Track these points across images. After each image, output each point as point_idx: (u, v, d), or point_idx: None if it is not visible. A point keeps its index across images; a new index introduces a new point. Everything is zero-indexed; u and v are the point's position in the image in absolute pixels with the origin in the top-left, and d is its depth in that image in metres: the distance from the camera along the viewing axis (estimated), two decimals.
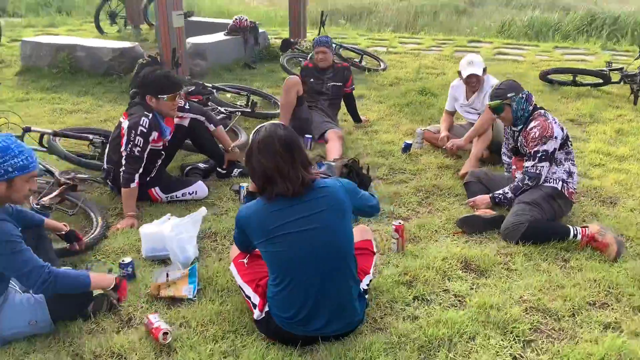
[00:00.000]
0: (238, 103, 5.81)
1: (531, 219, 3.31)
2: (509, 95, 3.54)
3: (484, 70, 4.55)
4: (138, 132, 3.44)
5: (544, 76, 7.03)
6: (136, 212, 3.55)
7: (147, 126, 3.46)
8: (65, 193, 3.52)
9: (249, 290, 2.55)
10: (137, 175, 3.51)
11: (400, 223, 3.19)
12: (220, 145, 4.22)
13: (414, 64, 8.20)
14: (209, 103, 5.15)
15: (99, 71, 7.05)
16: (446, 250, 3.20)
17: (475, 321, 2.59)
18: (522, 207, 3.42)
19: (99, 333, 2.52)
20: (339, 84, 5.25)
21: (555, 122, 3.49)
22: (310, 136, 4.89)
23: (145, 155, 3.52)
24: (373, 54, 8.54)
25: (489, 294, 2.81)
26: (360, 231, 2.84)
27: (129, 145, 3.46)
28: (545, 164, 3.48)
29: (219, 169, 4.19)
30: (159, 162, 3.79)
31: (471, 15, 13.91)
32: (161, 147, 3.68)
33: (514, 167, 3.76)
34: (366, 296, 2.61)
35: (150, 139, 3.52)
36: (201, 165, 4.21)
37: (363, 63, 8.09)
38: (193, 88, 5.15)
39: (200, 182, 3.82)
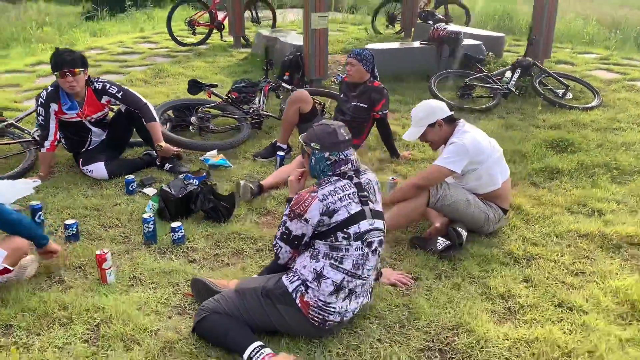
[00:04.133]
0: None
1: (217, 309, 2.41)
2: (311, 144, 2.55)
3: (437, 123, 3.27)
4: (39, 103, 4.00)
5: None
6: (44, 174, 4.10)
7: (44, 97, 3.97)
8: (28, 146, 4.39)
9: None
10: (46, 142, 4.04)
11: (103, 252, 2.83)
12: None
13: None
14: (251, 103, 5.18)
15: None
16: (119, 304, 2.67)
17: None
18: (226, 292, 2.51)
19: None
20: (363, 105, 4.47)
21: (323, 202, 2.35)
22: (282, 154, 4.42)
23: (52, 125, 4.01)
24: (591, 86, 6.49)
25: None
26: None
27: (36, 114, 4.04)
28: (285, 247, 2.45)
29: (157, 161, 4.33)
30: (91, 136, 4.22)
31: None
32: (79, 120, 4.09)
33: None
34: None
35: (51, 110, 3.98)
36: (154, 152, 4.42)
37: (567, 96, 6.32)
38: (243, 84, 5.26)
39: (99, 164, 4.07)
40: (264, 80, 5.67)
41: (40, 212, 3.39)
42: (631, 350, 2.40)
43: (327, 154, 2.48)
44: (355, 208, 2.41)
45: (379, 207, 2.55)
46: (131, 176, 3.97)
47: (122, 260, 3.10)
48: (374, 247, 2.46)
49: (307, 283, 2.38)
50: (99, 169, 4.08)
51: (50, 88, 3.98)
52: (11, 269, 2.74)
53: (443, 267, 3.05)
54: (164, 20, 10.96)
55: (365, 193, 2.48)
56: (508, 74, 6.59)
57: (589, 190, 4.03)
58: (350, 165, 2.50)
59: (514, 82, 6.41)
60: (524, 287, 2.88)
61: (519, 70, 6.54)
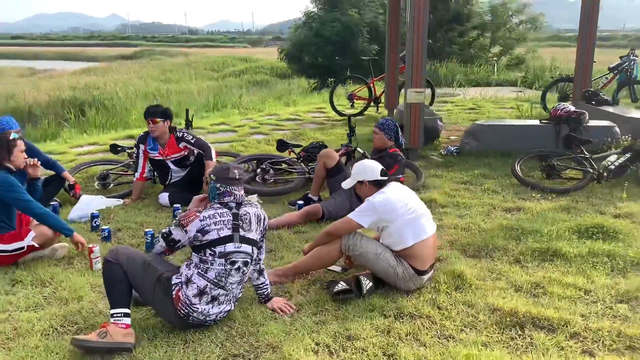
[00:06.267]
0: None
1: (122, 264, 3.07)
2: (211, 175, 3.32)
3: (363, 182, 3.70)
4: (135, 144, 5.46)
5: None
6: (134, 198, 5.54)
7: (137, 139, 5.43)
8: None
9: None
10: (136, 173, 5.49)
11: (93, 246, 3.95)
12: None
13: None
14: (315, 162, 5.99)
15: None
16: (80, 282, 3.74)
17: None
18: (140, 258, 3.25)
19: None
20: None
21: (202, 222, 3.03)
22: (302, 203, 5.07)
23: (141, 160, 5.44)
24: None
25: None
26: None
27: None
28: (162, 242, 3.16)
29: None
30: (171, 173, 5.55)
31: None
32: (161, 159, 5.45)
33: None
34: None
35: (140, 150, 5.41)
36: None
37: None
38: (312, 145, 6.11)
39: (164, 194, 5.32)
40: (343, 145, 6.43)
41: (97, 219, 4.73)
42: None
43: (218, 185, 3.21)
44: (225, 232, 3.06)
45: (251, 235, 3.15)
46: (178, 205, 5.11)
47: None
48: (237, 266, 3.09)
49: (182, 284, 3.08)
50: (163, 197, 5.36)
51: (142, 133, 5.47)
52: (37, 245, 4.03)
53: (327, 307, 3.38)
54: None
55: (240, 222, 3.12)
56: (612, 157, 6.10)
57: (570, 276, 3.76)
58: (232, 198, 3.18)
59: (613, 167, 5.91)
60: (374, 335, 3.05)
61: (628, 155, 6.01)
